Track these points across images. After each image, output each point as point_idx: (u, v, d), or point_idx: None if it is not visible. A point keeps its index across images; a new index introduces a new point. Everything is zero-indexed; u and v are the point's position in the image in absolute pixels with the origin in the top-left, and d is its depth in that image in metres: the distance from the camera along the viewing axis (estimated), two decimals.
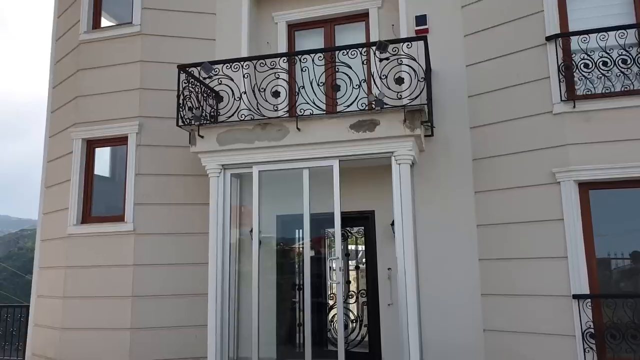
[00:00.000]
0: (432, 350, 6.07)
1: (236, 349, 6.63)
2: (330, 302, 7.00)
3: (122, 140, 7.25)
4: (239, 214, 6.94)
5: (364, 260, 7.03)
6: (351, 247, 7.21)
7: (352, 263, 7.18)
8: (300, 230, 6.29)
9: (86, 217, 7.27)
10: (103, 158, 7.75)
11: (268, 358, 6.63)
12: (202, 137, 6.32)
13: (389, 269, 6.50)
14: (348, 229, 7.12)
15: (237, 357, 6.61)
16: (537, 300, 5.69)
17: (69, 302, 7.05)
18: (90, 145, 7.44)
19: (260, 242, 6.48)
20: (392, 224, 6.24)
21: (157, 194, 7.13)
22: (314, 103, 5.86)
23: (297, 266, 7.13)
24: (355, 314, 6.94)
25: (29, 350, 7.75)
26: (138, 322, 6.75)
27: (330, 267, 6.18)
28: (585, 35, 5.62)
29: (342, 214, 6.06)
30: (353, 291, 7.07)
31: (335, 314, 6.69)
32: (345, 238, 7.12)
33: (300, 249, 6.40)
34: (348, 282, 7.09)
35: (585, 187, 5.62)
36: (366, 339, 6.71)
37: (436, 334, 6.13)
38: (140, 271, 6.89)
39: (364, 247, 7.00)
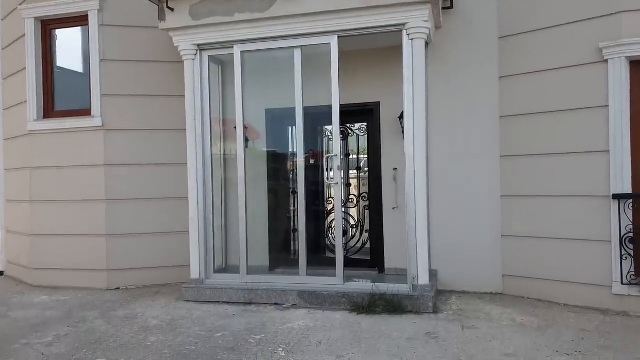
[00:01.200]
0: (442, 257, 5.41)
1: (225, 258, 6.01)
2: (329, 207, 6.27)
3: (82, 20, 6.12)
4: (223, 108, 6.01)
5: (366, 160, 6.18)
6: (352, 147, 6.33)
7: (353, 163, 6.34)
8: (294, 127, 5.37)
9: (48, 111, 6.34)
10: (66, 44, 6.66)
11: (259, 266, 6.01)
12: (172, 9, 5.21)
13: (394, 169, 5.66)
14: (349, 125, 6.20)
15: (226, 265, 6.01)
16: (566, 202, 4.89)
17: (37, 206, 6.33)
18: (46, 26, 6.32)
19: (247, 140, 5.61)
20: (401, 117, 5.32)
21: (128, 83, 6.14)
22: None
23: (290, 168, 6.30)
24: (356, 219, 6.22)
25: (3, 257, 7.20)
26: (114, 227, 6.07)
27: (327, 168, 5.34)
28: None
29: (342, 107, 5.12)
30: (354, 194, 6.30)
31: (334, 219, 6.00)
32: (345, 136, 6.23)
33: (294, 147, 5.51)
34: (348, 185, 6.31)
35: (639, 66, 4.59)
36: (367, 245, 6.04)
37: (447, 240, 5.43)
38: (113, 172, 6.08)
39: (366, 145, 6.11)
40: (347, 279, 5.10)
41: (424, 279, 4.70)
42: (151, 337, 4.25)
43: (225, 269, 5.95)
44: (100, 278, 6.08)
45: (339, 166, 5.05)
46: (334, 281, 4.99)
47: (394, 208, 5.65)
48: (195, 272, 5.41)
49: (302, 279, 5.13)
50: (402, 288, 4.76)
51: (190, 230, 5.43)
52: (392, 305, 4.64)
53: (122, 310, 5.13)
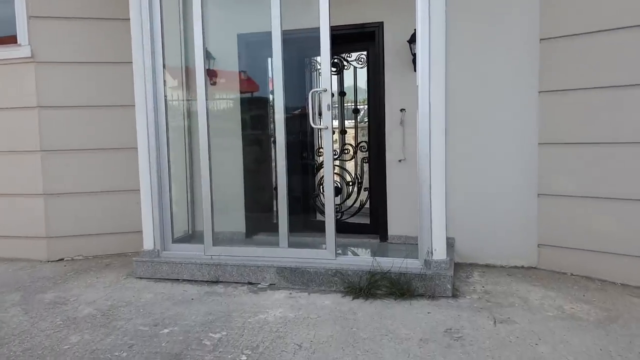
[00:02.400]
0: (460, 222, 4.26)
1: (191, 223, 4.88)
2: (319, 160, 5.08)
3: None
4: (185, 37, 4.70)
5: (365, 100, 4.92)
6: (348, 83, 5.06)
7: (349, 104, 5.09)
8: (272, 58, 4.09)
9: None
10: None
11: (233, 233, 4.89)
12: None
13: (402, 110, 4.42)
14: (344, 55, 4.91)
15: (193, 232, 4.88)
16: (628, 149, 3.69)
17: None
18: None
19: (212, 73, 4.35)
20: (411, 41, 4.04)
21: (63, 1, 4.80)
22: None
23: (270, 109, 5.06)
24: (353, 174, 5.03)
25: None
26: (54, 185, 4.89)
27: (314, 109, 4.09)
28: None
29: (334, 29, 3.84)
30: (350, 144, 5.08)
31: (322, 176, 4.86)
32: (339, 69, 4.94)
33: (273, 81, 4.25)
34: (343, 132, 5.09)
35: None
36: (367, 206, 4.89)
37: (467, 200, 4.27)
38: (49, 116, 4.84)
39: (366, 81, 4.84)
40: (341, 250, 3.98)
41: (440, 252, 3.56)
42: (73, 336, 3.15)
43: (191, 236, 4.84)
44: (38, 247, 4.96)
45: (329, 105, 3.81)
46: (323, 255, 3.86)
47: (400, 160, 4.44)
48: (148, 241, 4.28)
49: (283, 252, 3.99)
50: (411, 264, 3.63)
51: (141, 188, 4.25)
52: (398, 287, 3.52)
53: (53, 291, 4.03)
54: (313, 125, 3.86)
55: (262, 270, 3.92)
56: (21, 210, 4.95)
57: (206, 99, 4.07)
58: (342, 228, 4.85)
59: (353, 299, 3.55)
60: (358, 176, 4.95)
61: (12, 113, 4.88)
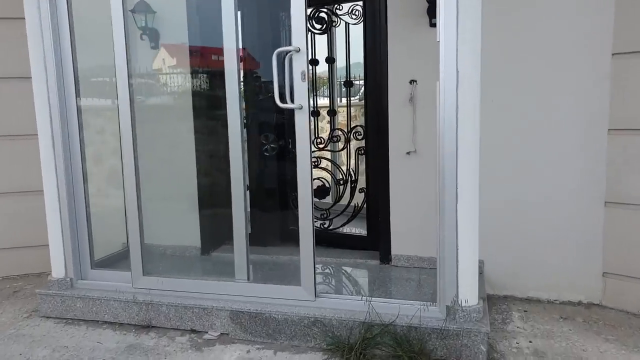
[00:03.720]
0: (492, 239, 3.03)
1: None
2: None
3: None
4: None
5: (361, 69, 3.64)
6: (339, 45, 3.79)
7: (339, 76, 3.83)
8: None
9: None
10: None
11: (184, 246, 3.70)
12: None
13: (412, 82, 3.16)
14: (333, 7, 3.63)
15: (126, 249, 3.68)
16: None
17: None
18: None
19: (145, 27, 3.11)
20: None
21: None
22: None
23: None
24: (345, 168, 3.79)
25: None
26: None
27: (285, 82, 2.79)
28: None
29: None
30: (340, 129, 3.83)
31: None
32: (326, 26, 3.68)
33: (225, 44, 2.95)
34: (332, 113, 3.84)
35: None
36: (363, 213, 3.65)
37: (503, 210, 3.03)
38: None
39: (362, 43, 3.55)
40: (325, 283, 2.79)
41: (470, 295, 2.35)
42: None
43: (123, 256, 3.62)
44: None
45: (303, 73, 2.54)
46: (297, 294, 2.64)
47: (408, 153, 3.20)
48: (57, 267, 3.07)
49: (241, 288, 2.78)
50: (426, 312, 2.42)
51: (45, 192, 3.03)
52: (406, 348, 2.32)
53: None
54: (280, 104, 2.60)
55: (210, 313, 2.72)
56: None
57: (127, 63, 2.81)
58: (331, 240, 3.66)
59: None
60: (352, 172, 3.72)
61: None
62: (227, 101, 2.74)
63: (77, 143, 3.00)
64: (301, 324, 2.53)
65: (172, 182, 3.66)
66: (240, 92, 2.75)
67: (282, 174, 3.93)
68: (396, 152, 3.22)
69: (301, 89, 2.55)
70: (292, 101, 2.57)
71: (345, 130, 3.75)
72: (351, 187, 3.69)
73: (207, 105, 3.81)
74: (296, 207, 3.88)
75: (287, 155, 3.87)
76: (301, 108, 2.55)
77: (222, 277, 2.95)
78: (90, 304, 2.96)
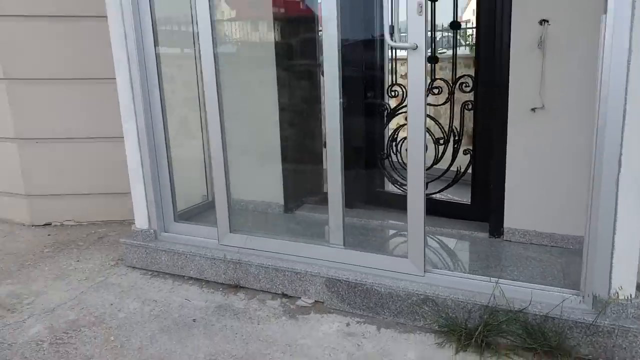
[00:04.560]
0: None
1: (212, 187, 3.47)
2: (392, 103, 3.45)
3: None
4: None
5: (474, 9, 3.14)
6: None
7: (443, 16, 3.34)
8: None
9: None
10: None
11: (266, 203, 3.47)
12: None
13: (543, 22, 2.64)
14: None
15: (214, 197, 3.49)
16: None
17: None
18: None
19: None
20: None
21: None
22: None
23: (318, 27, 3.43)
24: (447, 126, 3.35)
25: None
26: (27, 128, 3.60)
27: (394, 17, 2.37)
28: None
29: None
30: (442, 79, 3.37)
31: (401, 126, 3.34)
32: None
33: None
34: (434, 60, 3.38)
35: None
36: (466, 178, 3.24)
37: None
38: (7, 29, 3.46)
39: None
40: (432, 257, 2.46)
41: (627, 286, 1.93)
42: None
43: (211, 206, 3.44)
44: (19, 207, 3.78)
45: (420, 5, 2.10)
46: (404, 267, 2.34)
47: (533, 109, 2.72)
48: (141, 218, 2.94)
49: (337, 255, 2.50)
50: (569, 302, 2.04)
51: (125, 139, 2.85)
52: (539, 340, 1.98)
53: (12, 281, 2.82)
54: (391, 43, 2.20)
55: (304, 278, 2.48)
56: None
57: (210, 9, 2.49)
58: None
59: (457, 350, 2.06)
60: (455, 130, 3.29)
61: None
62: (324, 53, 2.37)
63: (156, 91, 2.77)
64: (409, 300, 2.24)
65: (254, 136, 3.41)
66: (339, 44, 2.37)
67: (370, 132, 3.57)
68: (517, 107, 2.76)
69: (417, 24, 2.13)
70: (404, 39, 2.17)
71: (449, 80, 3.30)
72: (453, 147, 3.28)
73: (292, 56, 3.47)
74: (383, 167, 3.57)
75: (376, 110, 3.50)
76: (416, 48, 2.15)
77: (309, 239, 2.70)
78: (175, 258, 2.81)
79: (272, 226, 3.28)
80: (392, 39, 2.20)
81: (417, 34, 2.12)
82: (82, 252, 3.25)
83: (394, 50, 3.41)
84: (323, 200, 3.45)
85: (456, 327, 2.11)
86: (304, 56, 3.51)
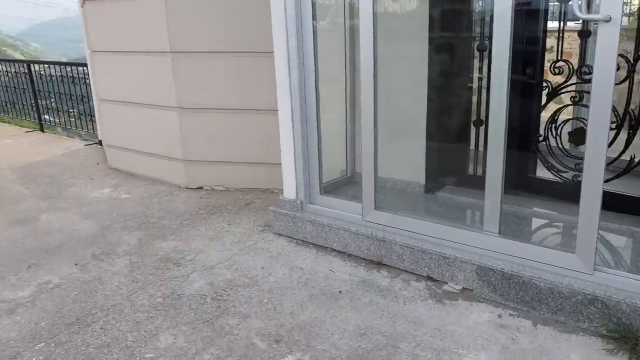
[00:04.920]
0: None
1: (351, 161, 3.52)
2: (554, 80, 3.14)
3: None
4: None
5: None
6: None
7: None
8: None
9: None
10: None
11: (405, 181, 3.40)
12: None
13: None
14: None
15: (353, 173, 3.54)
16: None
17: (97, 57, 4.45)
18: None
19: None
20: None
21: None
22: None
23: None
24: (621, 110, 2.98)
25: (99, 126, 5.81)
26: (187, 97, 3.91)
27: None
28: None
29: None
30: (621, 55, 2.97)
31: (564, 106, 3.05)
32: None
33: None
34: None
35: None
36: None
37: None
38: (177, 10, 3.74)
39: None
40: (601, 256, 2.23)
41: None
42: (164, 335, 2.12)
43: (349, 181, 3.49)
44: (177, 171, 4.16)
45: None
46: (569, 262, 2.15)
47: None
48: (289, 189, 3.06)
49: (490, 242, 2.38)
50: None
51: (279, 111, 2.97)
52: None
53: (174, 238, 3.13)
54: (579, 15, 1.98)
55: (452, 263, 2.41)
56: (158, 126, 4.13)
57: None
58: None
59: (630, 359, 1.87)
60: (632, 113, 2.91)
61: (140, 7, 3.89)
62: (495, 27, 2.20)
63: (311, 65, 2.82)
64: (573, 298, 2.06)
65: (398, 110, 3.34)
66: (511, 19, 2.17)
67: (526, 112, 3.30)
68: None
69: None
70: (597, 10, 1.92)
71: (630, 57, 2.91)
72: (628, 133, 2.91)
73: (445, 29, 3.30)
74: (538, 150, 3.29)
75: (534, 89, 3.21)
76: (609, 20, 1.90)
77: (459, 224, 2.60)
78: (320, 229, 2.89)
79: (414, 206, 3.23)
80: (579, 10, 1.98)
81: (611, 3, 1.88)
82: (232, 216, 3.50)
83: (561, 22, 3.09)
84: (467, 182, 3.32)
85: (630, 334, 1.90)
86: (457, 29, 3.33)
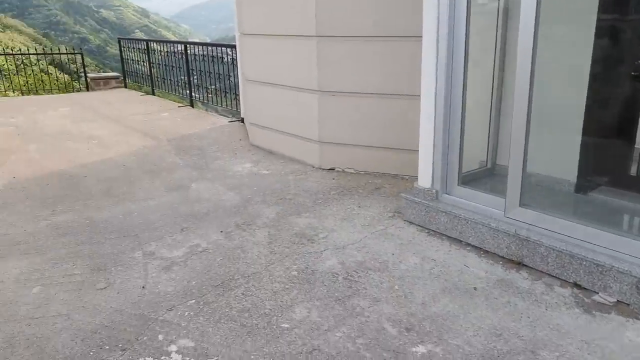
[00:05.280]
0: None
1: (492, 151, 3.34)
2: None
3: None
4: None
5: None
6: None
7: None
8: None
9: None
10: None
11: (553, 178, 3.14)
12: None
13: None
14: None
15: (494, 165, 3.37)
16: None
17: (247, 40, 4.73)
18: None
19: None
20: None
21: None
22: None
23: None
24: None
25: (242, 103, 6.23)
26: (328, 81, 4.01)
27: None
28: None
29: None
30: None
31: None
32: None
33: None
34: None
35: None
36: None
37: None
38: None
39: None
40: None
41: None
42: (299, 308, 2.23)
43: (489, 173, 3.32)
44: (312, 152, 4.31)
45: None
46: None
47: None
48: (424, 177, 3.00)
49: None
50: None
51: (422, 96, 2.89)
52: None
53: (308, 215, 3.26)
54: None
55: (606, 273, 2.18)
56: (298, 107, 4.30)
57: None
58: None
59: None
60: None
61: None
62: None
63: (461, 49, 2.69)
64: None
65: (552, 100, 3.06)
66: None
67: None
68: None
69: None
70: None
71: None
72: None
73: (619, 11, 2.93)
74: None
75: None
76: None
77: (619, 230, 2.33)
78: (455, 221, 2.80)
79: (563, 206, 2.98)
80: None
81: None
82: (362, 199, 3.54)
83: None
84: (627, 184, 2.96)
85: None
86: (632, 10, 2.95)
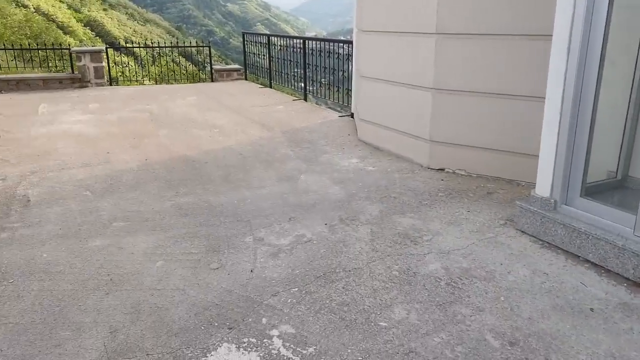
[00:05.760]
0: None
1: (624, 161, 3.03)
2: None
3: None
4: None
5: None
6: None
7: None
8: None
9: None
10: None
11: None
12: None
13: None
14: None
15: (624, 177, 3.06)
16: None
17: (364, 36, 4.75)
18: None
19: None
20: None
21: None
22: None
23: None
24: None
25: (354, 99, 6.28)
26: (444, 79, 3.89)
27: None
28: None
29: None
30: None
31: None
32: None
33: None
34: None
35: None
36: None
37: None
38: None
39: None
40: None
41: None
42: (399, 308, 2.22)
43: (618, 186, 3.01)
44: (422, 151, 4.24)
45: None
46: None
47: None
48: (542, 185, 2.81)
49: None
50: None
51: (547, 99, 2.70)
52: None
53: (412, 216, 3.22)
54: None
55: None
56: (410, 104, 4.25)
57: None
58: None
59: None
60: None
61: None
62: None
63: (597, 51, 2.45)
64: None
65: None
66: None
67: None
68: None
69: None
70: None
71: None
72: None
73: None
74: None
75: None
76: None
77: None
78: (574, 235, 2.59)
79: None
80: None
81: None
82: (472, 203, 3.40)
83: None
84: None
85: None
86: None
